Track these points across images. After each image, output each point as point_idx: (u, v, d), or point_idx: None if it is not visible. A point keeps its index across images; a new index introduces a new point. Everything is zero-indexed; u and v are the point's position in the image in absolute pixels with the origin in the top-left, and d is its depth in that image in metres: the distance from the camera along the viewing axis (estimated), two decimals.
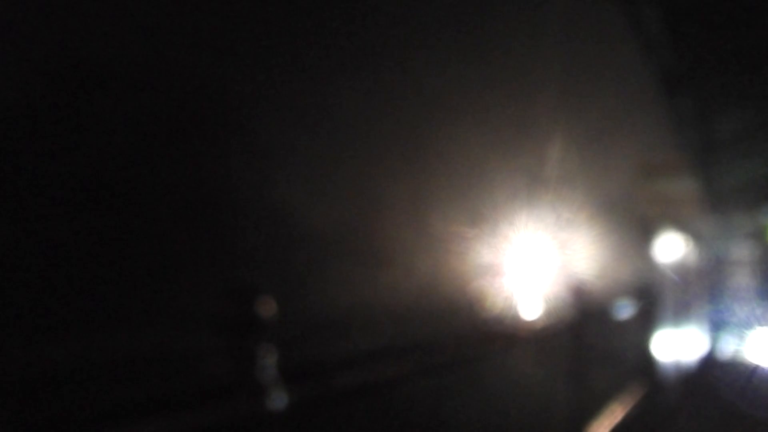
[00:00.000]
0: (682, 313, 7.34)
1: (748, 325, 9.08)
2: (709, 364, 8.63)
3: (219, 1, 1.63)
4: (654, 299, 5.74)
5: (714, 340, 9.72)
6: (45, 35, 1.34)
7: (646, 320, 5.59)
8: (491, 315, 2.55)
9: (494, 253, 2.66)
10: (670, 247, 7.06)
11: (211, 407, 1.53)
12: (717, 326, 9.88)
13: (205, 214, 1.53)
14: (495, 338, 2.61)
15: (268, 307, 1.45)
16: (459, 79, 2.56)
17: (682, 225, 7.32)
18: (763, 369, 7.30)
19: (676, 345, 6.78)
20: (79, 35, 1.39)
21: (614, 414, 4.29)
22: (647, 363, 5.75)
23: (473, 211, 2.53)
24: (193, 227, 1.49)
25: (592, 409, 3.86)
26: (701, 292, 9.50)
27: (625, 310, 4.68)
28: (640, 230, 5.86)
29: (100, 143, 1.43)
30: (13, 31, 1.26)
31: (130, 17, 1.44)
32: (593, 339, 3.57)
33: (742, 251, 10.83)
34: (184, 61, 1.51)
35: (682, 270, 7.58)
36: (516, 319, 2.75)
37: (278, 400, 1.52)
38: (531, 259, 2.90)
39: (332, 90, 1.86)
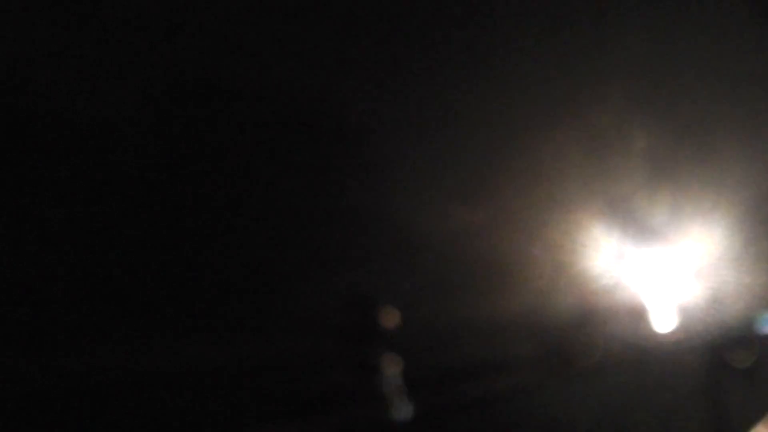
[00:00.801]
0: None
1: None
2: None
3: (327, 14, 1.67)
4: None
5: None
6: (161, 49, 1.42)
7: None
8: (617, 327, 2.41)
9: (619, 260, 2.52)
10: None
11: (333, 417, 1.55)
12: None
13: (326, 222, 1.56)
14: (621, 352, 2.46)
15: (390, 316, 1.45)
16: (574, 84, 2.47)
17: None
18: None
19: None
20: (203, 51, 1.46)
21: None
22: None
23: (596, 215, 2.41)
24: (315, 235, 1.52)
25: None
26: None
27: None
28: None
29: (217, 156, 1.50)
30: (116, 48, 1.34)
31: (243, 31, 1.50)
32: (733, 356, 3.28)
33: None
34: (299, 74, 1.55)
35: None
36: (645, 332, 2.58)
37: (401, 410, 1.51)
38: (662, 267, 2.72)
39: (450, 97, 1.84)
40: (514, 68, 2.19)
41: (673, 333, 2.90)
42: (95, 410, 1.35)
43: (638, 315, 2.69)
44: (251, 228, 1.50)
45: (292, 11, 1.59)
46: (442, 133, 1.88)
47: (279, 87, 1.61)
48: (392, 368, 1.52)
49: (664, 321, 2.87)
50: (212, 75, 1.53)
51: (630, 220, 2.80)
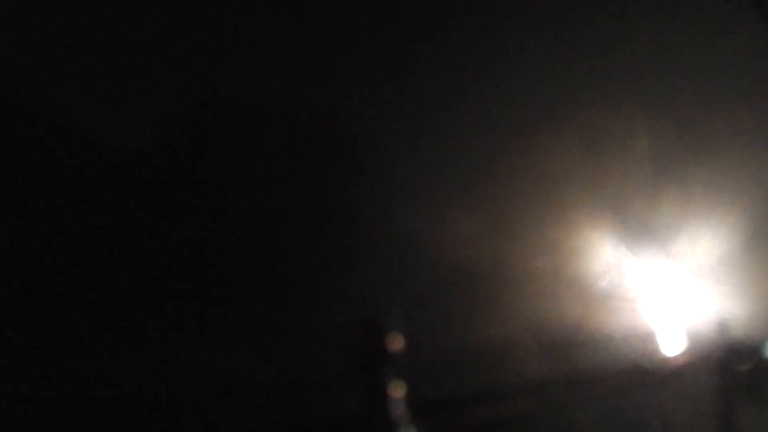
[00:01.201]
0: None
1: None
2: None
3: (348, 42, 1.68)
4: None
5: None
6: (191, 72, 1.44)
7: None
8: (630, 350, 2.39)
9: (632, 282, 2.50)
10: None
11: None
12: None
13: (336, 247, 1.57)
14: (633, 375, 2.44)
15: (397, 341, 1.45)
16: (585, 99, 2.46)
17: None
18: None
19: None
20: (224, 74, 1.48)
21: None
22: None
23: (611, 238, 2.40)
24: (325, 260, 1.53)
25: None
26: None
27: None
28: None
29: (239, 175, 1.51)
30: (163, 69, 1.37)
31: (270, 56, 1.52)
32: (743, 378, 3.24)
33: None
34: (321, 97, 1.57)
35: None
36: (656, 354, 2.56)
37: None
38: (672, 288, 2.70)
39: (460, 123, 1.85)
40: (529, 73, 2.18)
41: (682, 354, 2.86)
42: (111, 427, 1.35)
43: (647, 336, 2.66)
44: (262, 255, 1.51)
45: (294, 25, 1.61)
46: (453, 153, 1.87)
47: (290, 102, 1.61)
48: (399, 392, 1.52)
49: (672, 342, 2.84)
50: (220, 88, 1.55)
51: (638, 240, 2.78)
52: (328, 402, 1.53)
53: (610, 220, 2.55)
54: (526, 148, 2.15)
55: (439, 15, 1.92)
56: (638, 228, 2.73)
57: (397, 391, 1.49)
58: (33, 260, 1.39)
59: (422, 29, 1.88)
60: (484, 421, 1.74)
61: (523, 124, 2.16)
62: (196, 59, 1.48)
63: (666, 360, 2.71)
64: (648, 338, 2.57)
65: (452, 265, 1.79)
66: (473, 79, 1.99)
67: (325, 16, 1.65)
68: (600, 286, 2.43)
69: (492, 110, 2.04)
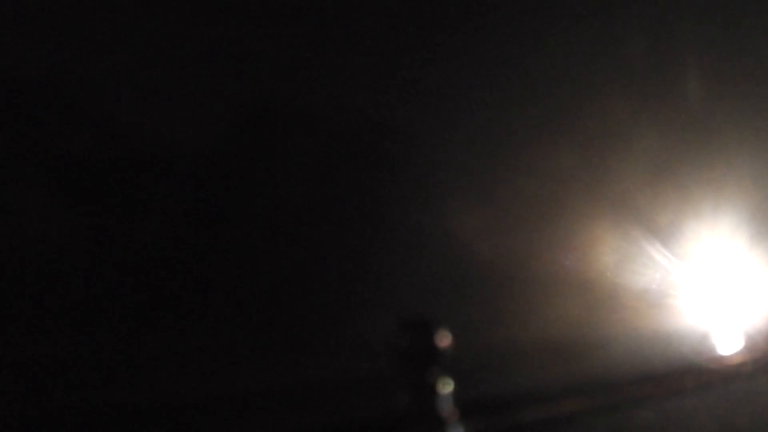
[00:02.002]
0: None
1: None
2: None
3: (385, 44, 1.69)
4: None
5: None
6: (237, 81, 1.47)
7: None
8: (680, 348, 2.33)
9: (683, 279, 2.44)
10: None
11: None
12: None
13: (383, 248, 1.57)
14: (685, 375, 2.37)
15: (445, 339, 1.44)
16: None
17: None
18: None
19: None
20: (270, 81, 1.50)
21: None
22: None
23: (656, 234, 2.34)
24: (373, 261, 1.53)
25: None
26: None
27: None
28: None
29: (282, 179, 1.53)
30: (213, 80, 1.39)
31: (315, 65, 1.54)
32: None
33: None
34: (365, 100, 1.58)
35: None
36: (709, 353, 2.49)
37: None
38: (727, 284, 2.62)
39: (503, 126, 1.84)
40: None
41: (737, 353, 2.77)
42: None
43: (702, 336, 2.59)
44: (308, 255, 1.52)
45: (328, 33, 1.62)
46: (499, 162, 1.86)
47: (335, 105, 1.63)
48: (447, 391, 1.51)
49: (728, 342, 2.75)
50: (282, 101, 1.57)
51: (689, 243, 2.71)
52: (377, 401, 1.53)
53: (656, 221, 2.49)
54: (567, 149, 2.13)
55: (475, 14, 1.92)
56: (686, 228, 2.66)
57: (446, 389, 1.48)
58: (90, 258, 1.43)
59: (455, 29, 1.88)
60: (534, 420, 1.72)
61: (568, 126, 2.13)
62: (243, 63, 1.51)
63: (722, 360, 2.62)
64: (703, 338, 2.50)
65: (500, 263, 1.77)
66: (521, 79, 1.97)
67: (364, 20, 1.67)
68: (651, 286, 2.38)
69: (535, 110, 2.02)
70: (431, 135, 1.75)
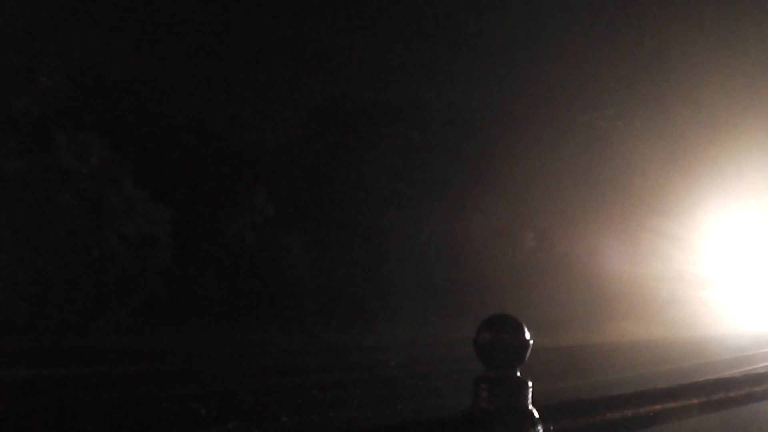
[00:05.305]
0: None
1: None
2: None
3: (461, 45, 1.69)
4: None
5: None
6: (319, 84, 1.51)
7: None
8: (743, 355, 2.25)
9: (744, 284, 2.35)
10: None
11: None
12: None
13: (463, 250, 1.59)
14: (747, 382, 2.29)
15: (529, 337, 1.45)
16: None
17: None
18: None
19: None
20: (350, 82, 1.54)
21: None
22: None
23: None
24: (456, 260, 1.55)
25: None
26: None
27: None
28: None
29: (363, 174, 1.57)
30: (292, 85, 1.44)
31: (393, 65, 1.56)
32: None
33: None
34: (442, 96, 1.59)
35: None
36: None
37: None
38: None
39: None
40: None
41: None
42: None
43: (760, 341, 2.49)
44: (397, 253, 1.56)
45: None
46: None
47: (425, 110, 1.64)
48: (527, 390, 1.52)
49: None
50: (361, 101, 1.61)
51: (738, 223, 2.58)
52: (462, 398, 1.55)
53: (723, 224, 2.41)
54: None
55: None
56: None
57: (526, 387, 1.50)
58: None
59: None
60: (613, 422, 1.71)
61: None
62: (329, 66, 1.55)
63: None
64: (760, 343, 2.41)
65: (585, 273, 1.76)
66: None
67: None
68: (713, 288, 2.31)
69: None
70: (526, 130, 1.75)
